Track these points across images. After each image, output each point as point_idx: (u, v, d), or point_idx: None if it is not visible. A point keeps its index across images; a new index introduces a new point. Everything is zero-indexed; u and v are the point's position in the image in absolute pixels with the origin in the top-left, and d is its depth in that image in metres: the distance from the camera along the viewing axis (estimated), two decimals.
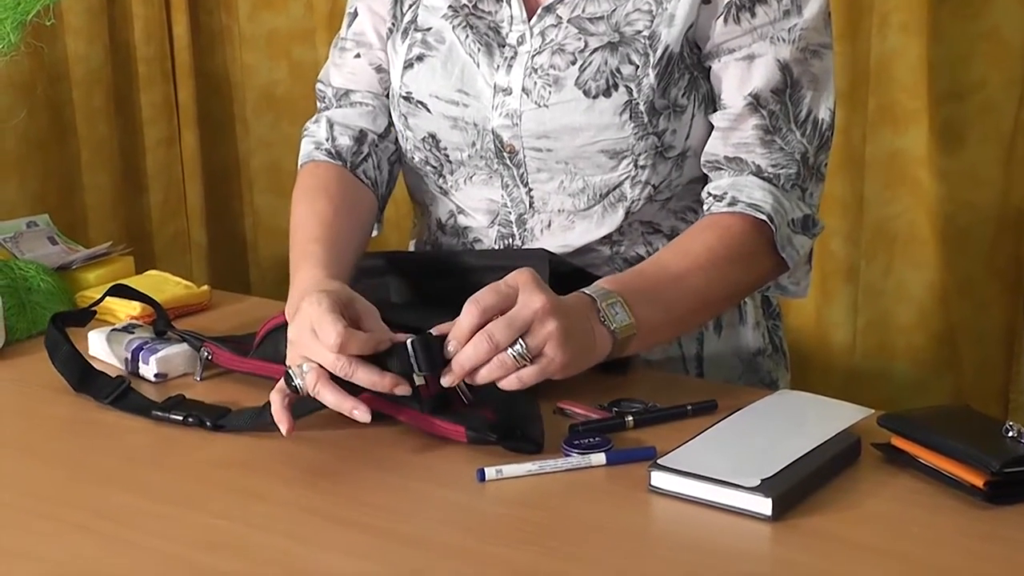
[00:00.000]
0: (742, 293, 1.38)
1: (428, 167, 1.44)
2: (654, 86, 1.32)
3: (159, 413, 1.23)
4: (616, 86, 1.32)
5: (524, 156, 1.37)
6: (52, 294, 1.52)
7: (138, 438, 1.21)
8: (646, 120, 1.32)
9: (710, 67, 1.34)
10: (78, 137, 2.54)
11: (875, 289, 2.18)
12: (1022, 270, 2.15)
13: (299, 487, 1.11)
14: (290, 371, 1.15)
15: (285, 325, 1.22)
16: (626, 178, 1.35)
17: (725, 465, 1.05)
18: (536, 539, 1.00)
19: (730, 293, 1.33)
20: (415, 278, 1.39)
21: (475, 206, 1.43)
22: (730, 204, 1.31)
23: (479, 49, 1.38)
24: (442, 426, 1.15)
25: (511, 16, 1.37)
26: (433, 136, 1.41)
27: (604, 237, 1.39)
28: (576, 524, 1.03)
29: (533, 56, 1.35)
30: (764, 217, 1.30)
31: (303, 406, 1.16)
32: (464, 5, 1.39)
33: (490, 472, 1.09)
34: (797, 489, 1.04)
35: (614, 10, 1.33)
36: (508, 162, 1.38)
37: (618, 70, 1.32)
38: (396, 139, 1.48)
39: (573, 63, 1.33)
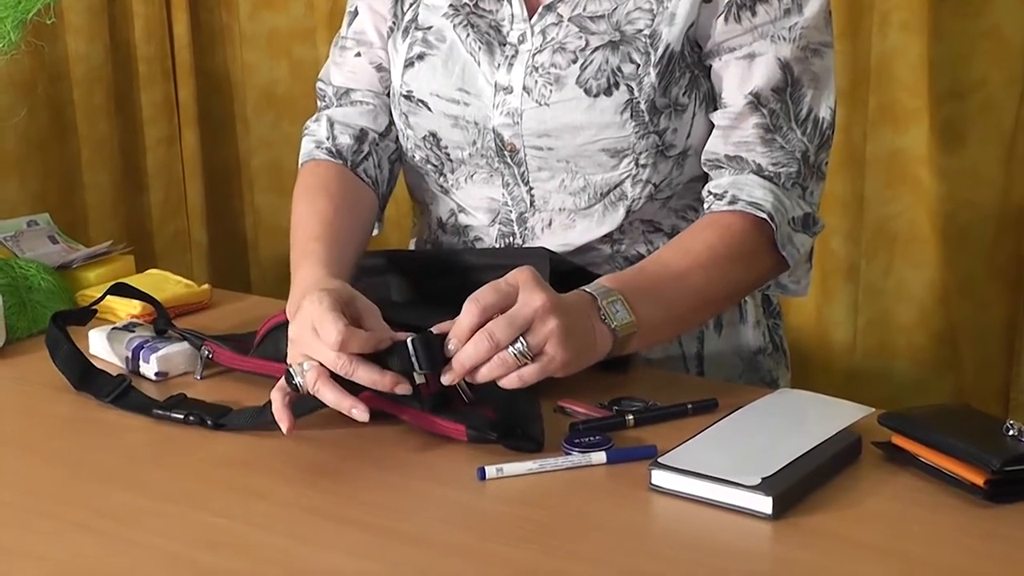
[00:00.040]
0: (742, 292, 1.38)
1: (429, 166, 1.44)
2: (655, 85, 1.32)
3: (160, 412, 1.23)
4: (617, 85, 1.32)
5: (525, 155, 1.37)
6: (53, 293, 1.52)
7: (138, 437, 1.21)
8: (647, 119, 1.32)
9: (711, 66, 1.34)
10: (78, 136, 2.54)
11: (875, 288, 2.18)
12: (1023, 269, 2.15)
13: (300, 486, 1.11)
14: (291, 369, 1.15)
15: (286, 324, 1.22)
16: (627, 177, 1.35)
17: (726, 463, 1.05)
18: (537, 537, 1.00)
19: (731, 292, 1.33)
20: (416, 277, 1.39)
21: (476, 205, 1.43)
22: (731, 202, 1.31)
23: (480, 48, 1.38)
24: (443, 425, 1.15)
25: (512, 15, 1.37)
26: (434, 135, 1.41)
27: (605, 236, 1.39)
28: (577, 522, 1.03)
29: (534, 55, 1.35)
30: (765, 215, 1.30)
31: (304, 405, 1.16)
32: (465, 4, 1.39)
33: (491, 471, 1.09)
34: (797, 488, 1.04)
35: (615, 9, 1.33)
36: (509, 161, 1.38)
37: (619, 69, 1.32)
38: (397, 138, 1.48)
39: (574, 62, 1.33)
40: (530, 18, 1.36)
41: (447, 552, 1.00)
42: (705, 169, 1.37)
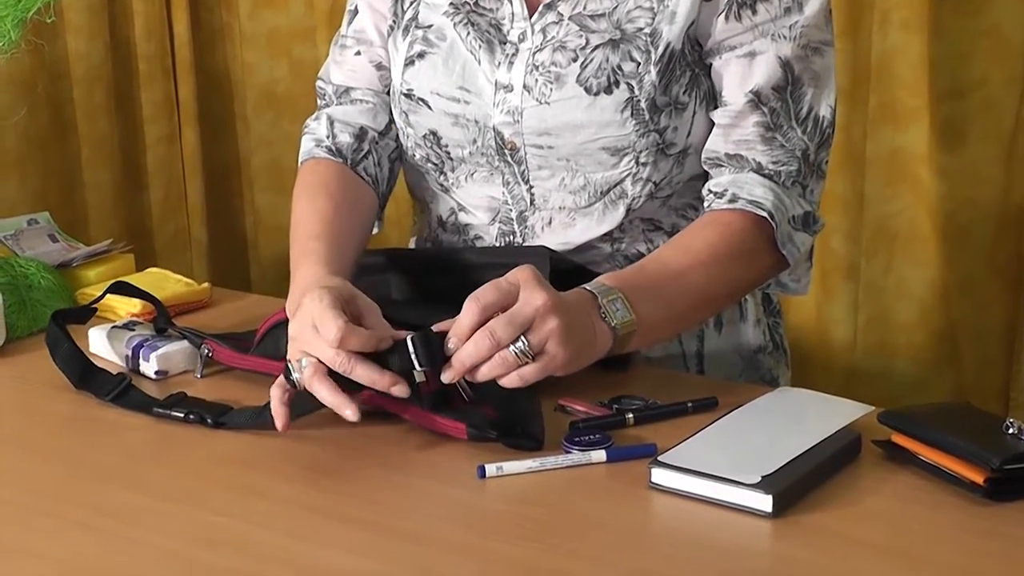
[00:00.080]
0: (743, 290, 1.38)
1: (429, 164, 1.44)
2: (655, 83, 1.32)
3: (160, 410, 1.23)
4: (617, 83, 1.32)
5: (525, 153, 1.37)
6: (53, 291, 1.52)
7: (138, 435, 1.21)
8: (647, 117, 1.32)
9: (711, 64, 1.34)
10: (79, 135, 2.54)
11: (876, 287, 2.18)
12: (1022, 268, 2.15)
13: (300, 484, 1.11)
14: (289, 365, 1.15)
15: (285, 322, 1.22)
16: (627, 175, 1.35)
17: (726, 462, 1.05)
18: (537, 536, 1.00)
19: (731, 290, 1.33)
20: (416, 275, 1.39)
21: (476, 203, 1.43)
22: (731, 201, 1.31)
23: (480, 46, 1.38)
24: (443, 423, 1.15)
25: (512, 13, 1.37)
26: (434, 133, 1.41)
27: (605, 234, 1.39)
28: (577, 521, 1.03)
29: (534, 53, 1.35)
30: (765, 214, 1.30)
31: (303, 405, 1.16)
32: (465, 2, 1.39)
33: (491, 469, 1.09)
34: (797, 486, 1.04)
35: (615, 7, 1.33)
36: (509, 159, 1.38)
37: (619, 67, 1.32)
38: (397, 136, 1.48)
39: (574, 60, 1.33)
40: (530, 16, 1.36)
41: (447, 550, 1.00)
42: (705, 167, 1.37)
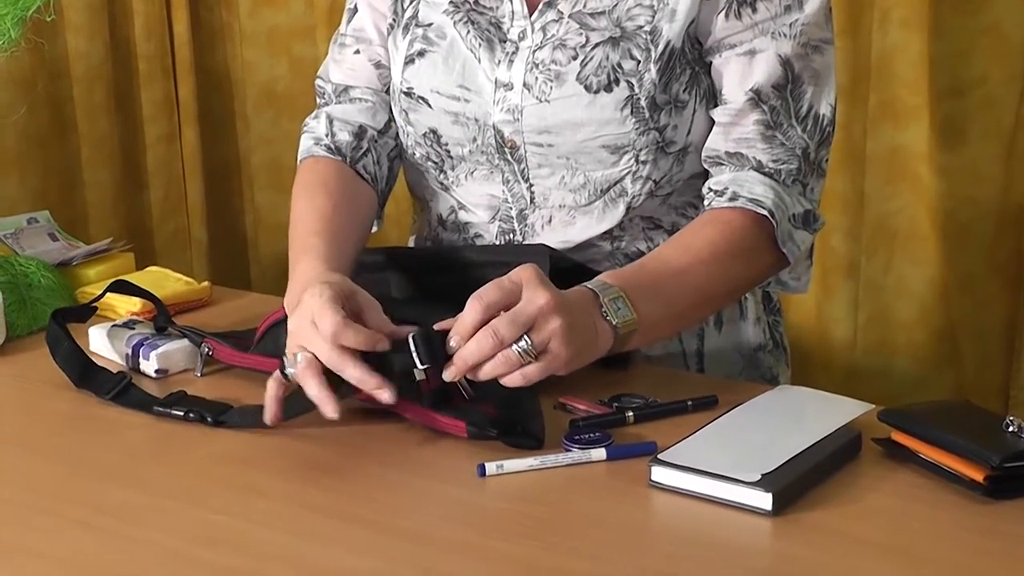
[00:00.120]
0: (743, 288, 1.38)
1: (429, 163, 1.44)
2: (655, 81, 1.32)
3: (160, 409, 1.23)
4: (617, 81, 1.32)
5: (525, 151, 1.37)
6: (53, 290, 1.52)
7: (139, 434, 1.21)
8: (647, 115, 1.32)
9: (711, 62, 1.34)
10: (78, 134, 2.54)
11: (876, 285, 2.18)
12: (1022, 266, 2.15)
13: (300, 483, 1.11)
14: (285, 359, 1.15)
15: (285, 320, 1.22)
16: (627, 173, 1.35)
17: (725, 460, 1.05)
18: (537, 534, 1.00)
19: (731, 288, 1.33)
20: (416, 274, 1.39)
21: (476, 202, 1.43)
22: (731, 199, 1.31)
23: (480, 44, 1.38)
24: (443, 421, 1.15)
25: (512, 11, 1.37)
26: (434, 132, 1.41)
27: (605, 233, 1.39)
28: (577, 519, 1.03)
29: (534, 51, 1.35)
30: (765, 212, 1.30)
31: (303, 404, 1.16)
32: (465, 1, 1.39)
33: (491, 467, 1.09)
34: (797, 484, 1.04)
35: (615, 5, 1.33)
36: (509, 157, 1.38)
37: (619, 65, 1.32)
38: (396, 135, 1.48)
39: (574, 58, 1.33)
40: (530, 15, 1.36)
41: (447, 549, 1.00)
42: (705, 166, 1.37)
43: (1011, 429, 1.06)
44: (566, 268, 1.30)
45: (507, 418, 1.15)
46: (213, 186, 2.68)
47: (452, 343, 1.12)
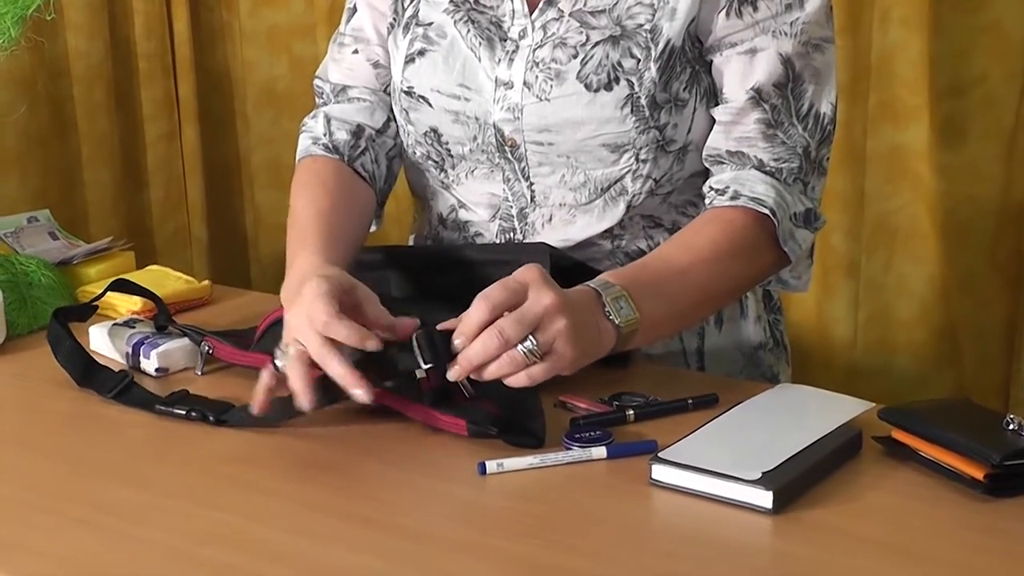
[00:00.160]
0: (744, 287, 1.38)
1: (430, 162, 1.44)
2: (655, 80, 1.32)
3: (162, 408, 1.23)
4: (617, 80, 1.32)
5: (525, 150, 1.37)
6: (53, 289, 1.52)
7: (139, 432, 1.21)
8: (647, 114, 1.32)
9: (712, 61, 1.34)
10: (79, 133, 2.55)
11: (876, 284, 2.18)
12: (1023, 265, 2.15)
13: (301, 481, 1.11)
14: (277, 350, 1.15)
15: None
16: (627, 172, 1.35)
17: (726, 458, 1.06)
18: (537, 532, 1.00)
19: (732, 287, 1.33)
20: (416, 272, 1.39)
21: (476, 200, 1.43)
22: (733, 198, 1.31)
23: (480, 43, 1.38)
24: (444, 419, 1.16)
25: (512, 10, 1.37)
26: (435, 130, 1.41)
27: (605, 231, 1.39)
28: (577, 517, 1.03)
29: (534, 50, 1.35)
30: (767, 211, 1.30)
31: (287, 410, 1.16)
32: (466, 0, 1.39)
33: (491, 466, 1.09)
34: (798, 482, 1.04)
35: (616, 3, 1.33)
36: (509, 156, 1.38)
37: (619, 64, 1.32)
38: (394, 135, 1.48)
39: (575, 57, 1.33)
40: (531, 13, 1.36)
41: (448, 547, 1.00)
42: (706, 164, 1.37)
43: (1011, 427, 1.06)
44: (566, 266, 1.30)
45: (508, 417, 1.15)
46: (213, 185, 2.68)
47: (457, 343, 1.12)
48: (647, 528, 1.04)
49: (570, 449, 1.12)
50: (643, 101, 1.32)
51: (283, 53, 2.57)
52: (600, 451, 1.12)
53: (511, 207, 1.41)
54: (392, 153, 1.48)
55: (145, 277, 1.54)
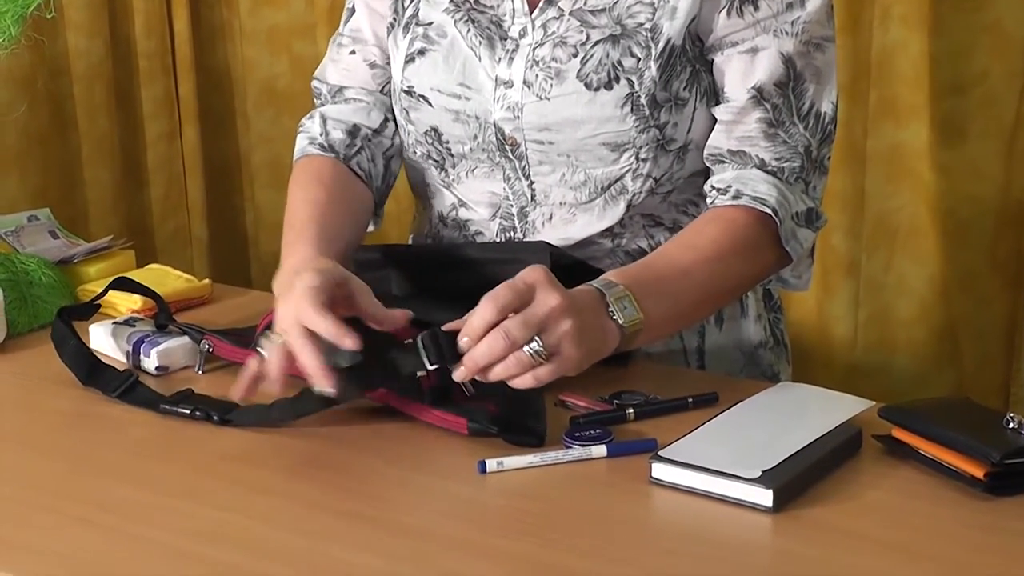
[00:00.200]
0: (746, 286, 1.38)
1: (430, 161, 1.44)
2: (656, 79, 1.32)
3: (167, 407, 1.23)
4: (617, 79, 1.32)
5: (526, 149, 1.37)
6: (53, 288, 1.52)
7: (141, 431, 1.21)
8: (647, 113, 1.32)
9: (712, 60, 1.34)
10: (79, 132, 2.55)
11: (876, 283, 2.18)
12: (1023, 264, 2.15)
13: (303, 480, 1.11)
14: (262, 338, 1.15)
15: None
16: (627, 171, 1.35)
17: (726, 457, 1.06)
18: (537, 531, 1.01)
19: (734, 286, 1.33)
20: (416, 271, 1.39)
21: (477, 199, 1.43)
22: (735, 197, 1.31)
23: (480, 42, 1.38)
24: (444, 418, 1.16)
25: (513, 9, 1.37)
26: (435, 130, 1.41)
27: (606, 230, 1.39)
28: (577, 516, 1.03)
29: (535, 49, 1.35)
30: (769, 210, 1.30)
31: (305, 405, 1.16)
32: (466, 0, 1.39)
33: (491, 464, 1.09)
34: (798, 481, 1.04)
35: (616, 2, 1.33)
36: (510, 155, 1.38)
37: (620, 63, 1.32)
38: (391, 135, 1.48)
39: (575, 56, 1.33)
40: (531, 12, 1.36)
41: (448, 545, 1.00)
42: (707, 164, 1.37)
43: (1011, 426, 1.06)
44: (567, 265, 1.30)
45: (508, 415, 1.15)
46: (213, 184, 2.68)
47: (462, 344, 1.12)
48: (647, 526, 1.04)
49: (570, 448, 1.12)
50: (643, 100, 1.32)
51: (283, 52, 2.57)
52: (600, 450, 1.12)
53: (511, 206, 1.41)
54: (390, 153, 1.48)
55: (145, 276, 1.54)
